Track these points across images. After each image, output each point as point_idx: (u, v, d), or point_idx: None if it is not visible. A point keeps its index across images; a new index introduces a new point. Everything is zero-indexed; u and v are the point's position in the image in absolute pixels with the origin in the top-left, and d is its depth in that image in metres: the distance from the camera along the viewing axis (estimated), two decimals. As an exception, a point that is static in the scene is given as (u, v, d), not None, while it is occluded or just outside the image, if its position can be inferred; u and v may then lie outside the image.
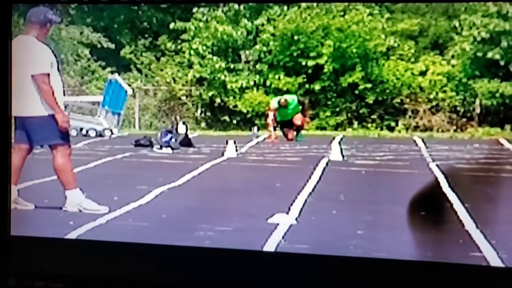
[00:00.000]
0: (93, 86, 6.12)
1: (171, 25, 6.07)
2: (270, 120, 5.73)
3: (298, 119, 5.71)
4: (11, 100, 2.93)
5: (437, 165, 4.49)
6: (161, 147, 5.48)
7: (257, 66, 6.13)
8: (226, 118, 6.19)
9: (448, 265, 2.59)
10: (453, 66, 5.77)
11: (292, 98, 5.71)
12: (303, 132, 5.82)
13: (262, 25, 6.08)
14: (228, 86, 6.12)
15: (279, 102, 5.65)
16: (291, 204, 3.60)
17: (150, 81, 6.31)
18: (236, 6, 6.00)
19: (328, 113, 6.02)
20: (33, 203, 3.54)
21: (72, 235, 3.09)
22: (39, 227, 3.17)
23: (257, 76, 6.12)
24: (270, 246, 2.95)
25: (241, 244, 2.96)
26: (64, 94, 3.74)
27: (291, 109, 5.67)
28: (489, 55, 5.39)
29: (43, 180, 3.86)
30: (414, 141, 5.58)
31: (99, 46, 5.95)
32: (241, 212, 3.55)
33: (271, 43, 6.07)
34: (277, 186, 4.25)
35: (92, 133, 5.82)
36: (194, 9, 6.06)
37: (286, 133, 5.76)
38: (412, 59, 5.96)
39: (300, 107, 5.74)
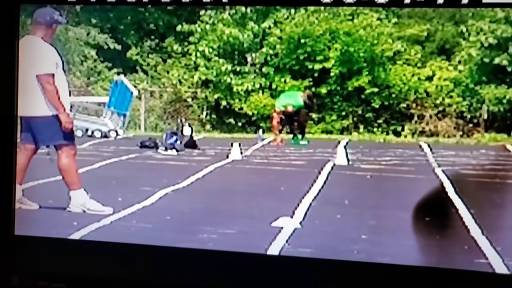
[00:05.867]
0: (99, 87, 6.12)
1: (178, 28, 6.07)
2: (275, 122, 5.71)
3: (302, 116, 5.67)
4: (17, 100, 2.94)
5: (442, 171, 4.47)
6: (166, 149, 5.48)
7: (263, 69, 6.11)
8: (232, 120, 6.18)
9: (452, 271, 2.57)
10: (460, 71, 5.73)
11: (297, 102, 5.66)
12: (307, 135, 5.79)
13: (269, 28, 6.06)
14: (234, 89, 6.11)
15: (285, 107, 5.62)
16: (296, 208, 3.59)
17: (156, 83, 6.30)
18: (243, 9, 5.99)
19: (334, 117, 5.99)
20: (38, 203, 3.55)
21: (76, 236, 3.10)
22: (43, 227, 3.18)
23: (263, 79, 6.11)
24: (274, 250, 2.95)
25: (245, 247, 2.95)
26: (70, 95, 3.75)
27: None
28: (496, 61, 5.35)
29: (47, 180, 3.87)
30: (420, 146, 5.55)
31: (105, 47, 5.95)
32: (245, 215, 3.54)
33: (277, 46, 6.05)
34: (282, 189, 4.24)
35: (97, 134, 5.83)
36: (201, 12, 6.05)
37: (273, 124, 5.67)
38: (419, 64, 5.93)
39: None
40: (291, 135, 5.77)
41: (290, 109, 5.61)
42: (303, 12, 5.95)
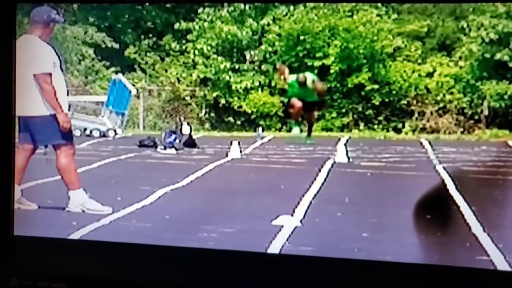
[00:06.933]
0: (97, 86, 6.12)
1: (176, 26, 6.06)
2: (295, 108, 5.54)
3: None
4: (15, 100, 2.93)
5: (443, 168, 4.46)
6: (165, 148, 5.47)
7: (262, 67, 6.10)
8: (231, 119, 6.17)
9: (454, 269, 2.56)
10: (460, 67, 5.71)
11: (312, 77, 5.55)
12: (306, 133, 5.75)
13: (268, 25, 6.05)
14: (233, 87, 6.09)
15: (297, 79, 5.48)
16: (296, 206, 3.58)
17: (155, 81, 6.30)
18: (241, 6, 5.97)
19: (334, 114, 5.98)
20: (37, 203, 3.54)
21: (75, 236, 3.09)
22: (42, 227, 3.17)
23: (262, 77, 6.09)
24: (274, 248, 2.94)
25: (245, 246, 2.95)
26: (68, 94, 3.74)
27: (311, 90, 5.51)
28: (498, 56, 5.34)
29: (46, 180, 3.86)
30: (421, 143, 5.54)
31: (103, 46, 5.95)
32: (245, 213, 3.53)
33: (276, 43, 6.03)
34: (282, 187, 4.23)
35: (95, 133, 5.82)
36: (199, 10, 6.04)
37: (294, 105, 5.53)
38: (419, 60, 5.91)
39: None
40: (291, 133, 5.74)
41: (301, 77, 5.47)
42: (302, 9, 5.93)
